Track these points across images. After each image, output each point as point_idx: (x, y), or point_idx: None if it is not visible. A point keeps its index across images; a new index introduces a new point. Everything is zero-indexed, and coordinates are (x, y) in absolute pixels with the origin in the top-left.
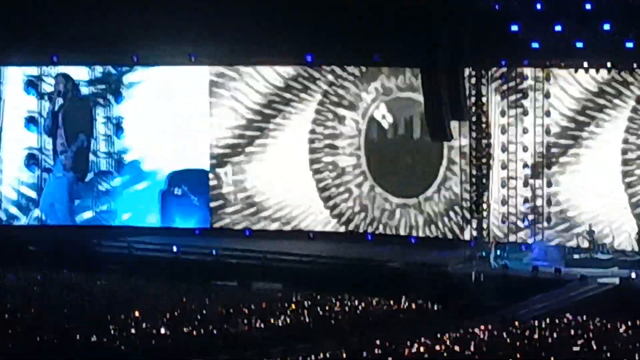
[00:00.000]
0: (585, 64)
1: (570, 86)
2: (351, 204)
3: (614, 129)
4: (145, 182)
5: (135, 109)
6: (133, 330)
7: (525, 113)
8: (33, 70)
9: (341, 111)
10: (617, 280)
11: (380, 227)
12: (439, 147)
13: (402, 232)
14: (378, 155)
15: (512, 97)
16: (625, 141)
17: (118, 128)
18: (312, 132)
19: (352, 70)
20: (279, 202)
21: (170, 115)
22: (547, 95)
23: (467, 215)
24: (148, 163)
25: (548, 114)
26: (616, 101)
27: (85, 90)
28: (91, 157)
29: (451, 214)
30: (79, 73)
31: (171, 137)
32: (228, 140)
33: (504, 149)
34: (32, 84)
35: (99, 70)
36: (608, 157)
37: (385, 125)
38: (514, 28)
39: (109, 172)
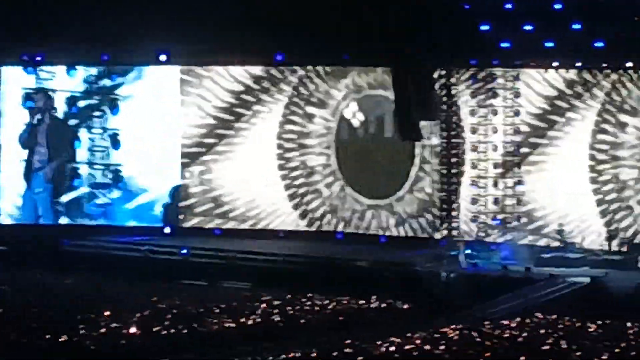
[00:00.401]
0: (555, 64)
1: (539, 85)
2: (320, 204)
3: (582, 128)
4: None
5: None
6: (103, 330)
7: (494, 113)
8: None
9: (311, 109)
10: (587, 279)
11: (351, 227)
12: (411, 147)
13: (372, 232)
14: (349, 154)
15: (482, 97)
16: (594, 140)
17: (114, 140)
18: (281, 131)
19: (321, 68)
20: (247, 202)
21: (145, 115)
22: (516, 95)
23: (438, 215)
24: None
25: (517, 113)
26: (585, 100)
27: (65, 106)
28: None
29: (422, 213)
30: (68, 84)
31: (145, 137)
32: (197, 140)
33: (474, 148)
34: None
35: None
36: (577, 156)
37: (356, 123)
38: (484, 28)
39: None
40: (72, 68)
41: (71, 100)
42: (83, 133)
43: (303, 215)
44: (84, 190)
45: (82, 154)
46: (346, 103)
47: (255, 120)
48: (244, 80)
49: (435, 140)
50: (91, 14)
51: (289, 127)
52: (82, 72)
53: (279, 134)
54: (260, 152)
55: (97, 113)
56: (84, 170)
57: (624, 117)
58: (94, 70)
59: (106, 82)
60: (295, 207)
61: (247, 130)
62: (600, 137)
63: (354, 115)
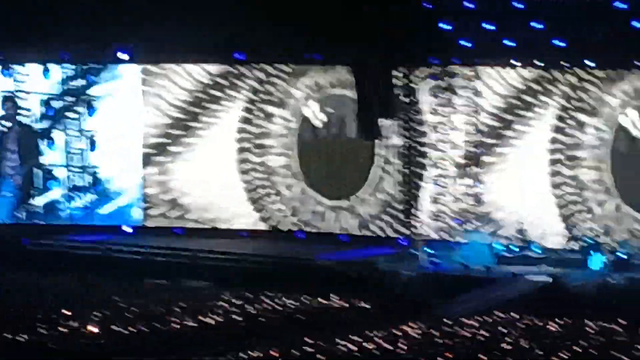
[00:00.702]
0: (516, 63)
1: (500, 84)
2: (281, 206)
3: (542, 127)
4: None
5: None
6: (63, 329)
7: (455, 111)
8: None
9: (271, 109)
10: (548, 278)
11: (311, 227)
12: (372, 146)
13: (333, 232)
14: (310, 155)
15: (442, 95)
16: (553, 140)
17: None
18: (241, 130)
19: (282, 66)
20: (205, 204)
21: (113, 116)
22: (477, 94)
23: (399, 214)
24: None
25: (478, 112)
26: (545, 100)
27: (39, 108)
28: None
29: (383, 213)
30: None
31: (112, 138)
32: (155, 140)
33: (435, 147)
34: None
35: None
36: (537, 155)
37: (318, 123)
38: (444, 26)
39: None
40: (46, 69)
41: (45, 103)
42: (57, 135)
43: (263, 218)
44: (57, 192)
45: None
46: (307, 102)
47: (213, 120)
48: (204, 80)
49: (395, 140)
50: (49, 12)
51: (248, 127)
52: (57, 73)
53: (238, 132)
54: (218, 152)
55: (72, 115)
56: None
57: (583, 117)
58: (69, 71)
59: (80, 83)
60: (255, 209)
61: (207, 130)
62: (560, 137)
63: (315, 115)
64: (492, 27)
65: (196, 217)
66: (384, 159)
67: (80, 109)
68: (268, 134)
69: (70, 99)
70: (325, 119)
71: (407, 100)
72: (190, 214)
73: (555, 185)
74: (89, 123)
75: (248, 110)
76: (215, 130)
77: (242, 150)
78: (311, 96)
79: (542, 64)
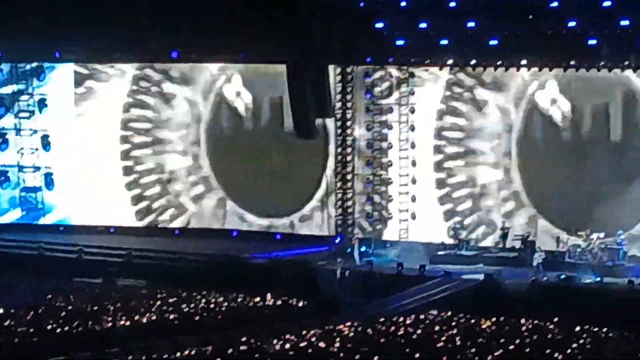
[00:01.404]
0: (450, 61)
1: (435, 83)
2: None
3: (480, 125)
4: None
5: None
6: None
7: (390, 110)
8: None
9: (170, 87)
10: (480, 277)
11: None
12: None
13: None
14: (228, 153)
15: (377, 94)
16: (494, 138)
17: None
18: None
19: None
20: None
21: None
22: (412, 93)
23: (334, 213)
24: None
25: (413, 111)
26: (483, 97)
27: None
28: None
29: (319, 211)
30: None
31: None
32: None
33: (370, 146)
34: None
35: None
36: (474, 153)
37: (241, 109)
38: (380, 25)
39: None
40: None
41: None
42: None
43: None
44: None
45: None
46: (226, 79)
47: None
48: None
49: (330, 138)
50: None
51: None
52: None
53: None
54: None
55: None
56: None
57: (521, 115)
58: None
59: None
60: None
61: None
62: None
63: (239, 95)
64: (427, 27)
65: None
66: (319, 157)
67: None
68: (165, 124)
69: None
70: (251, 103)
71: (342, 98)
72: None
73: (489, 184)
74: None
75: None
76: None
77: (127, 146)
78: (231, 68)
79: (477, 63)
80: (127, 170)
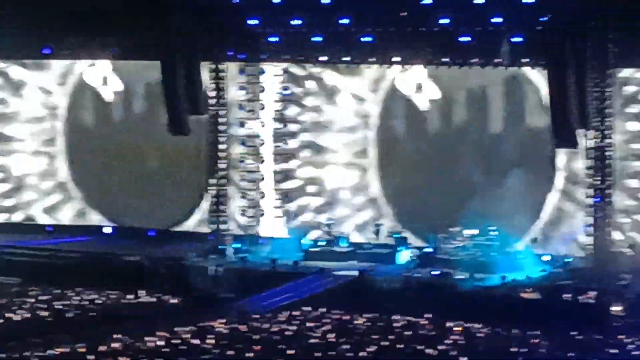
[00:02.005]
0: (323, 58)
1: (309, 79)
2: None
3: (348, 121)
4: None
5: None
6: None
7: (263, 107)
8: None
9: (19, 72)
10: (355, 273)
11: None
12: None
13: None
14: (91, 154)
15: (251, 91)
16: (362, 133)
17: None
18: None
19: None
20: None
21: None
22: (285, 88)
23: (207, 210)
24: None
25: (286, 107)
26: (356, 94)
27: None
28: None
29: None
30: None
31: None
32: None
33: (243, 142)
34: None
35: None
36: (347, 150)
37: (107, 96)
38: (253, 22)
39: None
40: None
41: None
42: None
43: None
44: None
45: None
46: (89, 63)
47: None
48: None
49: (205, 135)
50: None
51: None
52: None
53: None
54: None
55: None
56: None
57: (391, 111)
58: None
59: None
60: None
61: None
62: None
63: (105, 82)
64: (300, 24)
65: None
66: (193, 154)
67: None
68: (12, 117)
69: None
70: (121, 89)
71: (215, 95)
72: None
73: (365, 178)
74: None
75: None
76: None
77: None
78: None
79: (350, 60)
80: None
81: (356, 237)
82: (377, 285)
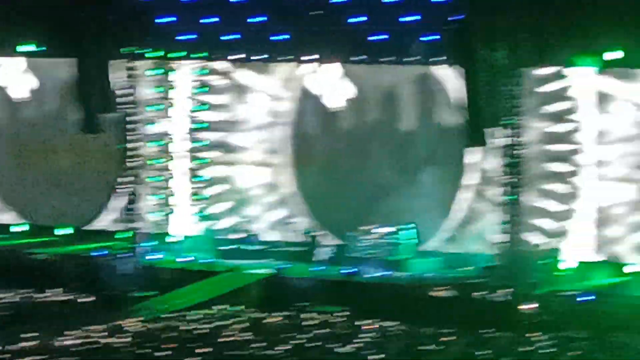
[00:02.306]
0: (238, 56)
1: (223, 77)
2: None
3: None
4: None
5: None
6: None
7: (171, 105)
8: None
9: None
10: (268, 271)
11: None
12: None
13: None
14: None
15: (163, 89)
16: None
17: None
18: None
19: None
20: None
21: None
22: (202, 86)
23: (118, 207)
24: None
25: (197, 106)
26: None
27: None
28: None
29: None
30: None
31: None
32: None
33: (153, 140)
34: None
35: None
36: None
37: (17, 95)
38: (164, 20)
39: None
40: None
41: None
42: None
43: None
44: None
45: None
46: None
47: None
48: None
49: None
50: None
51: None
52: None
53: None
54: None
55: None
56: None
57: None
58: None
59: None
60: None
61: None
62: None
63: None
64: (216, 21)
65: None
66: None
67: None
68: None
69: None
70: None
71: (125, 93)
72: None
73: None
74: None
75: None
76: None
77: None
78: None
79: (267, 57)
80: None
81: (270, 236)
82: (291, 284)
